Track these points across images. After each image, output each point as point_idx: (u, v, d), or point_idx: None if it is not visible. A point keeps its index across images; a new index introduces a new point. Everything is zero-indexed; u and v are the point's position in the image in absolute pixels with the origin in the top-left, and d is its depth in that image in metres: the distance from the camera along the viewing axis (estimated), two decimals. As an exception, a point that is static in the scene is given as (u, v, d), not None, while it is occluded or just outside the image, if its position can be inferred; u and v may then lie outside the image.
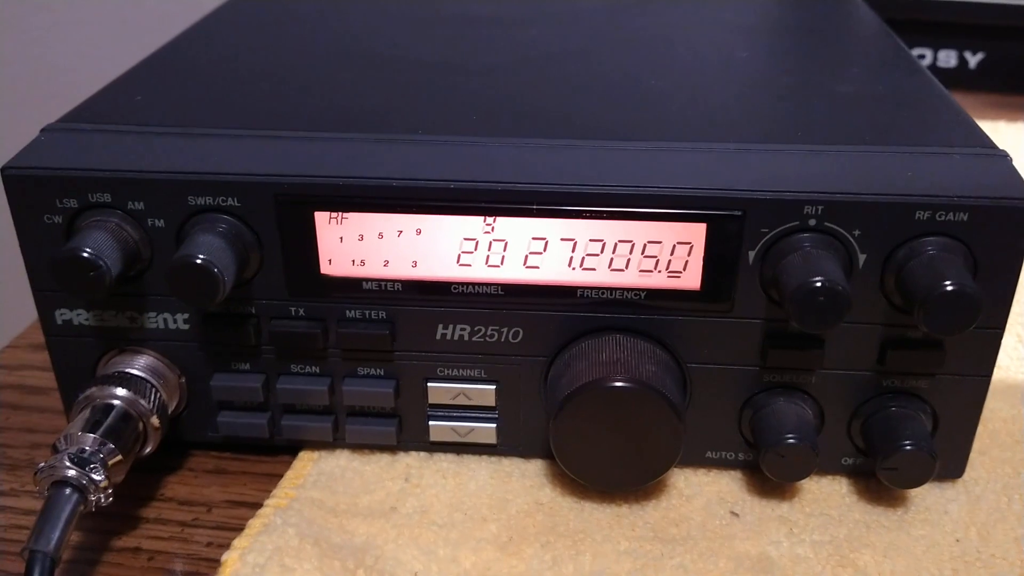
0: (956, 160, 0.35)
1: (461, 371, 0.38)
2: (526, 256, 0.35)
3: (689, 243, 0.34)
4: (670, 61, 0.46)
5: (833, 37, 0.52)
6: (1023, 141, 0.68)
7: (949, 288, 0.31)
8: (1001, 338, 0.35)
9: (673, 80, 0.43)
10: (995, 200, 0.33)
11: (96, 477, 0.33)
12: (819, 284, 0.32)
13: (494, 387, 0.38)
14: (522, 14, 0.52)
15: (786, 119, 0.39)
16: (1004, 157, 0.35)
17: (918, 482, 0.36)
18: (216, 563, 0.35)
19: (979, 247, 0.33)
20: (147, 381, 0.37)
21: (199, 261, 0.33)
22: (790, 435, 0.35)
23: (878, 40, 0.50)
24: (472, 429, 0.39)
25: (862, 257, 0.34)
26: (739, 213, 0.33)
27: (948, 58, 0.79)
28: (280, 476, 0.39)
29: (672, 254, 0.35)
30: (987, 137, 0.36)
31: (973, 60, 0.78)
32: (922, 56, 0.79)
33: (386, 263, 0.36)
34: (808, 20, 0.54)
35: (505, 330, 0.37)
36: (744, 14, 0.54)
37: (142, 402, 0.36)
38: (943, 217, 0.33)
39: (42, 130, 0.37)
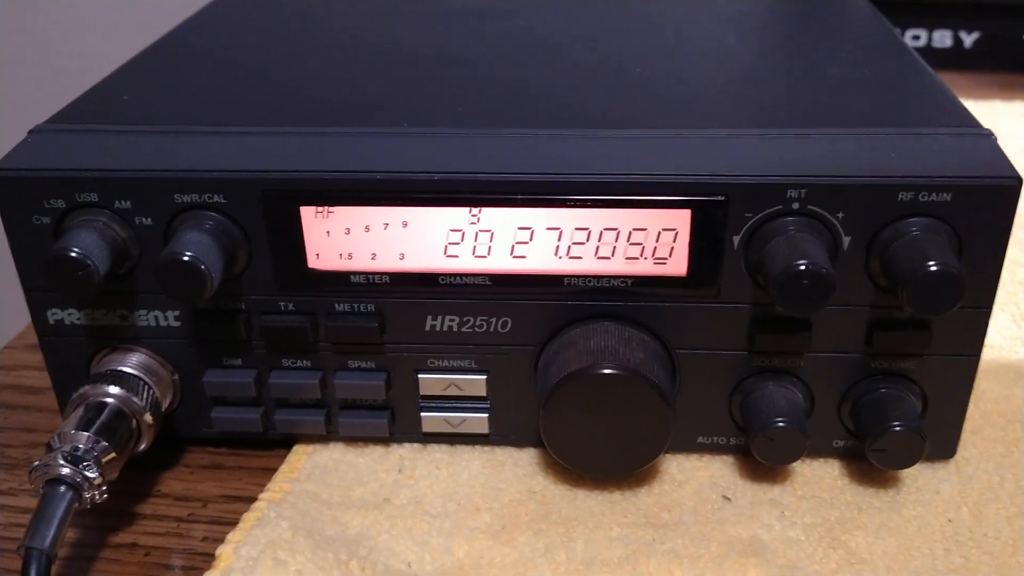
0: (939, 140, 0.35)
1: (452, 362, 0.38)
2: (512, 246, 0.35)
3: (674, 229, 0.34)
4: (653, 49, 0.46)
5: (819, 20, 0.52)
6: (1018, 120, 0.67)
7: (933, 268, 0.31)
8: (988, 317, 0.35)
9: (657, 67, 0.43)
10: (978, 179, 0.33)
11: (90, 475, 0.33)
12: (803, 267, 0.32)
13: (485, 377, 0.38)
14: (505, 5, 0.51)
15: (769, 103, 0.39)
16: (988, 136, 0.35)
17: (908, 463, 0.36)
18: (212, 558, 0.35)
19: (963, 227, 0.33)
20: (140, 379, 0.37)
21: (186, 258, 0.33)
22: (779, 418, 0.35)
23: (865, 22, 0.50)
24: (464, 419, 0.39)
25: (846, 239, 0.34)
26: (722, 198, 0.33)
27: (943, 38, 0.78)
28: (276, 470, 0.39)
29: (657, 241, 0.35)
30: (972, 116, 0.36)
31: (968, 40, 0.78)
32: (917, 36, 0.79)
33: (373, 256, 0.36)
34: (794, 2, 0.54)
35: (494, 320, 0.37)
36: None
37: (135, 399, 0.36)
38: (926, 198, 0.33)
39: (30, 131, 0.37)
